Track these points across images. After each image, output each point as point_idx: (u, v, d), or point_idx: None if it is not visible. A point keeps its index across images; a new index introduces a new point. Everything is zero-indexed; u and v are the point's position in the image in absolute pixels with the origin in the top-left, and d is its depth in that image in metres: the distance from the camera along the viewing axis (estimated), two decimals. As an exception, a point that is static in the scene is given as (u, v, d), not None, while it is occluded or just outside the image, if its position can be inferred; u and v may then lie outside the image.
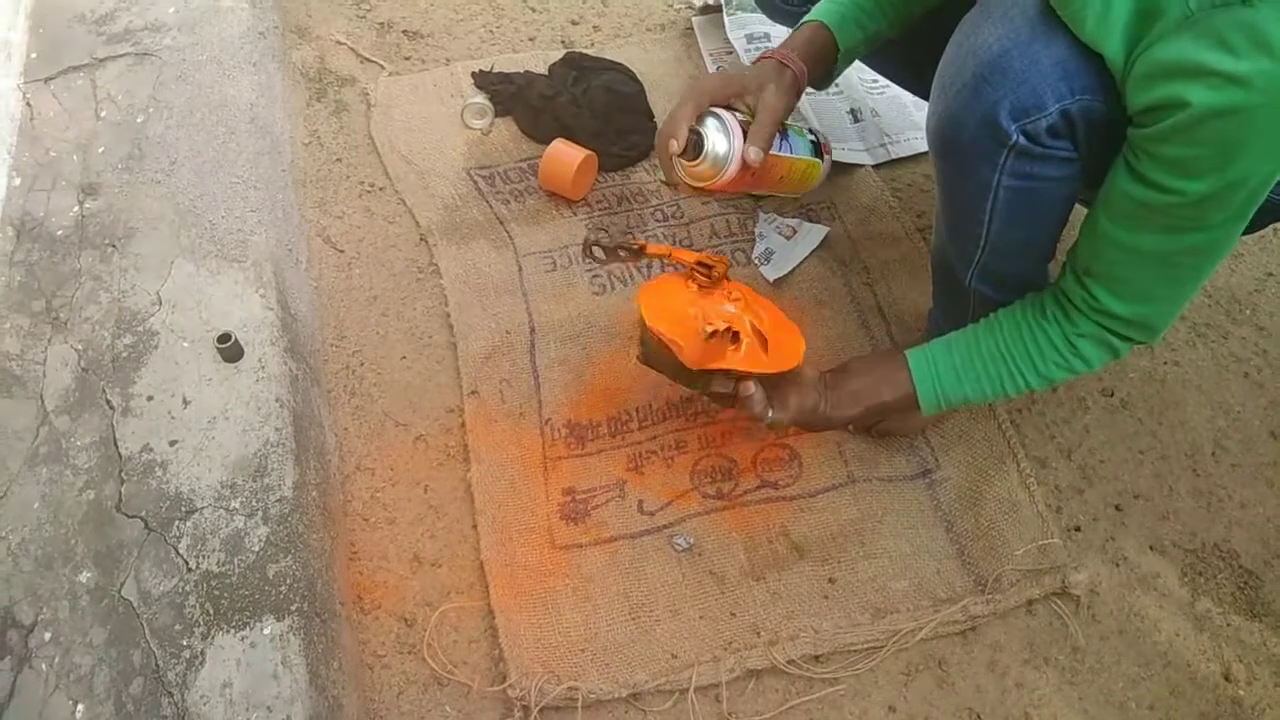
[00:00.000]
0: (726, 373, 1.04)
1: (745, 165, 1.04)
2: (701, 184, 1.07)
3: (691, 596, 1.14)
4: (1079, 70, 0.85)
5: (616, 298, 1.39)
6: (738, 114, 1.06)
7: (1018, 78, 0.86)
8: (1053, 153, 0.90)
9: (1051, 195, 0.97)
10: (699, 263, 1.09)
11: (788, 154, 1.12)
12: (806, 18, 1.14)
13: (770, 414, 1.05)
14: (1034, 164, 0.91)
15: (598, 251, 1.11)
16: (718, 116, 1.04)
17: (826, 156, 1.20)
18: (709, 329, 1.00)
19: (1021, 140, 0.88)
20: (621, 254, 1.11)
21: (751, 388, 1.03)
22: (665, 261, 1.12)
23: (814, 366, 1.12)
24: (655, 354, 1.08)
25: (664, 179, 1.54)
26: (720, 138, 1.04)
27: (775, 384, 1.07)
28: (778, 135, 1.08)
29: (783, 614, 1.13)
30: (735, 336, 1.03)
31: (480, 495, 1.21)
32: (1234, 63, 0.72)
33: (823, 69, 1.14)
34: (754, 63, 1.11)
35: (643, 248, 1.10)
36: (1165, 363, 1.35)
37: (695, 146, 1.04)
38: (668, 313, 1.06)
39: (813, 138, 1.18)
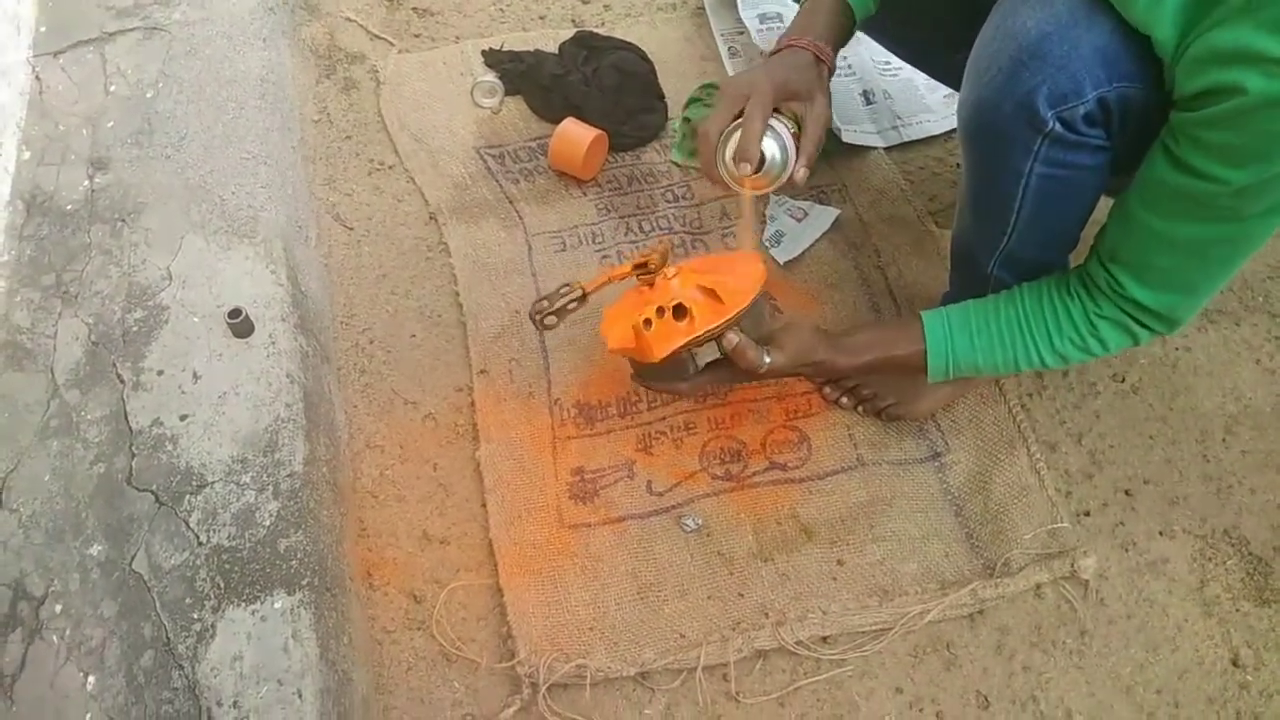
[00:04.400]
0: (700, 344, 1.02)
1: (791, 180, 1.04)
2: (745, 191, 1.06)
3: (700, 577, 1.14)
4: (1119, 56, 0.84)
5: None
6: (786, 123, 1.05)
7: (1057, 63, 0.85)
8: (1087, 140, 0.89)
9: (1082, 184, 0.96)
10: (635, 266, 1.08)
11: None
12: None
13: (766, 358, 1.03)
14: (1068, 152, 0.90)
15: (549, 320, 1.11)
16: (773, 130, 1.03)
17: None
18: (641, 317, 1.00)
19: (1058, 127, 0.87)
20: (570, 307, 1.11)
21: (735, 338, 1.01)
22: (616, 283, 1.11)
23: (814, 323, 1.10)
24: (638, 369, 1.09)
25: (674, 159, 1.53)
26: (778, 154, 1.03)
27: (769, 334, 1.06)
28: None
29: (791, 595, 1.13)
30: (679, 309, 1.01)
31: (489, 474, 1.21)
32: None
33: (843, 44, 1.12)
34: (782, 49, 1.08)
35: (584, 292, 1.10)
36: (1176, 348, 1.34)
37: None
38: (617, 329, 1.05)
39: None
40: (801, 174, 1.03)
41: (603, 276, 1.10)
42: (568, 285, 1.10)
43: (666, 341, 1.01)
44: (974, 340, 1.04)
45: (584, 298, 1.11)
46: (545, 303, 1.10)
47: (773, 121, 1.03)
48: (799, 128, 1.05)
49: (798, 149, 1.04)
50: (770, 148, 1.02)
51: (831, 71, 1.08)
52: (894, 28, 1.26)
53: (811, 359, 1.07)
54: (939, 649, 1.11)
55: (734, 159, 1.02)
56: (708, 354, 1.05)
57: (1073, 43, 0.84)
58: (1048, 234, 1.02)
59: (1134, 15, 0.81)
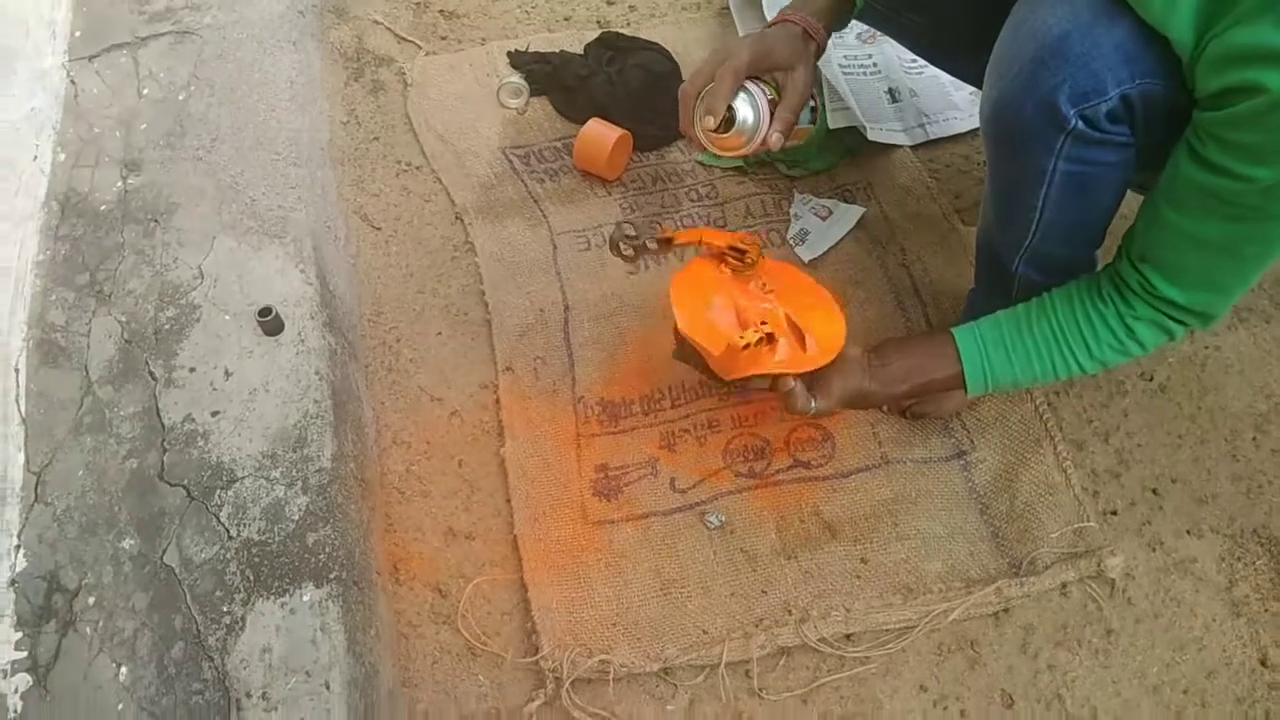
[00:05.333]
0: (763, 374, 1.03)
1: (764, 143, 1.05)
2: (718, 150, 1.08)
3: (723, 573, 1.15)
4: (1140, 53, 0.83)
5: (650, 277, 1.39)
6: (765, 89, 1.06)
7: (1078, 61, 0.85)
8: (1110, 137, 0.89)
9: (1107, 180, 0.95)
10: (731, 247, 1.08)
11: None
12: None
13: (814, 404, 1.03)
14: (1091, 149, 0.90)
15: (624, 248, 1.11)
16: (748, 92, 1.04)
17: (818, 117, 1.20)
18: (743, 341, 0.97)
19: (1080, 125, 0.87)
20: (649, 247, 1.11)
21: (791, 383, 1.02)
22: (696, 247, 1.11)
23: (854, 344, 1.09)
24: (689, 354, 1.08)
25: (699, 159, 1.53)
26: (750, 115, 1.04)
27: (818, 371, 1.05)
28: None
29: (814, 592, 1.13)
30: (770, 338, 1.00)
31: (514, 470, 1.22)
32: None
33: (841, 24, 1.13)
34: (775, 23, 1.09)
35: (670, 238, 1.10)
36: (1205, 346, 1.33)
37: (726, 121, 1.04)
38: (701, 313, 1.04)
39: (812, 103, 1.18)
40: (775, 138, 1.04)
41: (695, 235, 1.10)
42: (658, 225, 1.10)
43: (749, 366, 1.00)
44: (1010, 356, 1.03)
45: (668, 244, 1.10)
46: (630, 228, 1.09)
47: (750, 84, 1.04)
48: (779, 96, 1.06)
49: (773, 116, 1.05)
50: (743, 108, 1.04)
51: (821, 49, 1.09)
52: (914, 27, 1.25)
53: (855, 398, 1.07)
54: (963, 647, 1.11)
55: (702, 114, 1.04)
56: (760, 381, 1.04)
57: (1094, 40, 0.84)
58: (1073, 230, 1.02)
59: (1150, 16, 0.81)
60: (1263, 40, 0.73)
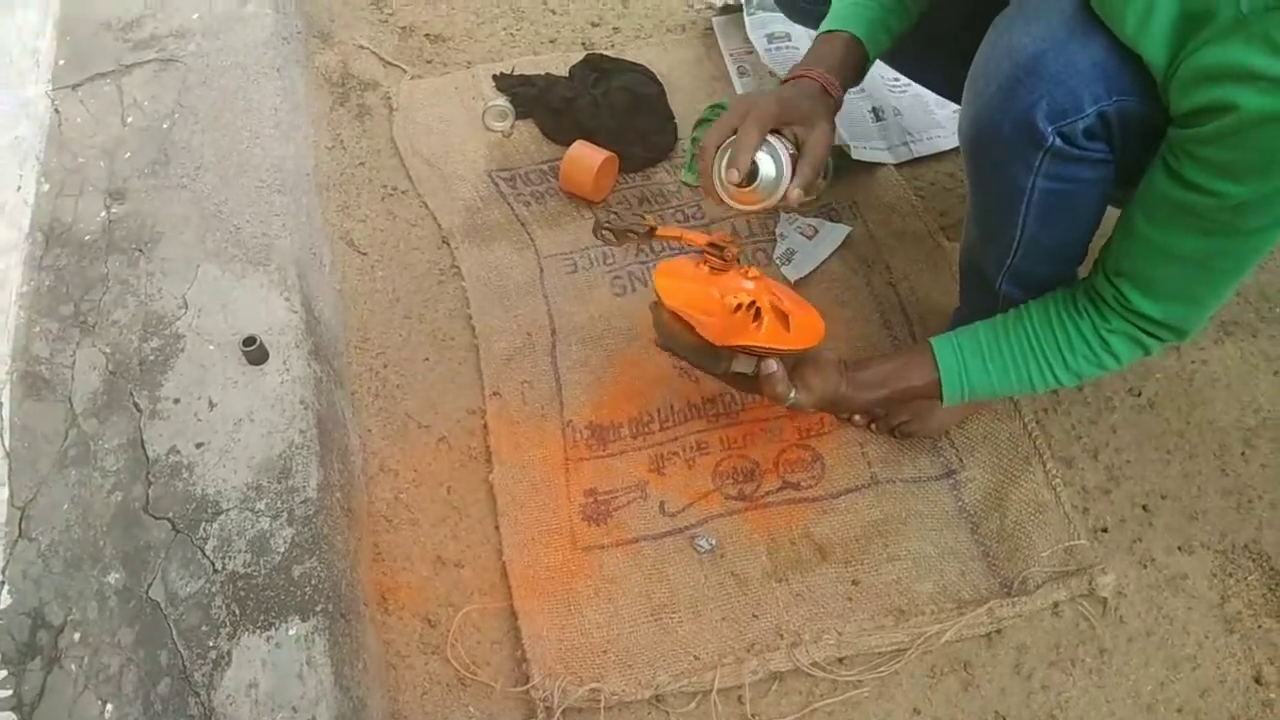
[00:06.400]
0: (748, 352, 1.03)
1: (784, 198, 1.04)
2: (737, 205, 1.07)
3: (714, 598, 1.14)
4: (1116, 71, 0.84)
5: (638, 299, 1.39)
6: (787, 144, 1.05)
7: (1054, 79, 0.85)
8: (1088, 154, 0.89)
9: (1086, 196, 0.96)
10: (711, 244, 1.08)
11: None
12: (834, 24, 1.11)
13: (793, 394, 1.03)
14: (1069, 166, 0.90)
15: (607, 234, 1.11)
16: (771, 147, 1.03)
17: (828, 173, 1.21)
18: (734, 301, 0.99)
19: (1057, 142, 0.87)
20: (632, 235, 1.11)
21: (774, 365, 1.02)
22: (676, 244, 1.11)
23: (834, 353, 1.10)
24: (674, 335, 1.06)
25: (684, 179, 1.53)
26: (773, 170, 1.03)
27: (796, 365, 1.06)
28: None
29: (806, 616, 1.13)
30: (758, 312, 1.01)
31: (502, 497, 1.21)
32: None
33: (855, 80, 1.13)
34: (793, 80, 1.08)
35: (653, 229, 1.10)
36: (1193, 361, 1.33)
37: (749, 175, 1.03)
38: (685, 291, 1.04)
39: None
40: (795, 194, 1.03)
41: (676, 231, 1.10)
42: (640, 216, 1.09)
43: (732, 333, 1.01)
44: (987, 364, 1.03)
45: (650, 234, 1.10)
46: (615, 217, 1.09)
47: (772, 139, 1.03)
48: (799, 151, 1.06)
49: (794, 171, 1.04)
50: (765, 162, 1.03)
51: (838, 105, 1.09)
52: (897, 46, 1.26)
53: (833, 397, 1.07)
54: (956, 669, 1.10)
55: (725, 168, 1.03)
56: (743, 364, 1.04)
57: (1069, 58, 0.84)
58: (1054, 248, 1.02)
59: (1124, 35, 0.82)
60: (1234, 60, 0.74)
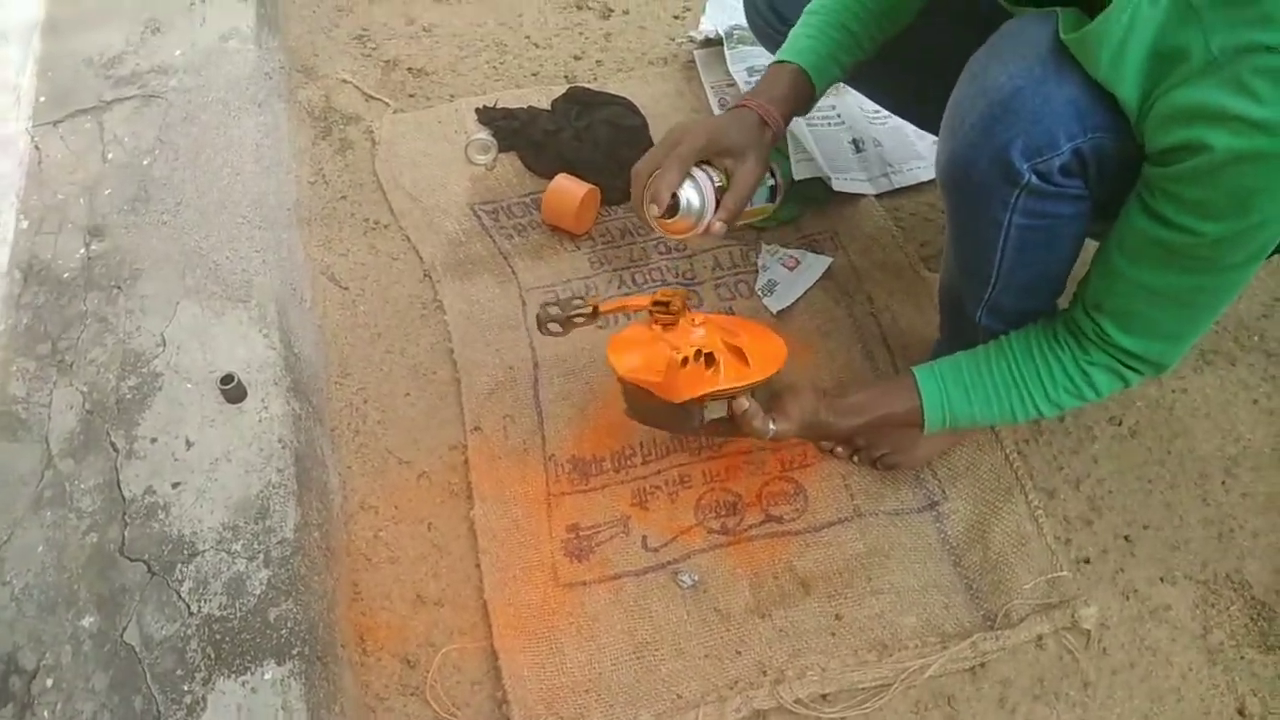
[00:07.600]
0: (716, 398, 1.03)
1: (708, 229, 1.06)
2: (665, 234, 1.10)
3: (696, 634, 1.14)
4: (1091, 108, 0.84)
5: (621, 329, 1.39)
6: (714, 175, 1.07)
7: (1030, 117, 0.86)
8: (1065, 191, 0.90)
9: (1063, 233, 0.96)
10: (655, 302, 1.08)
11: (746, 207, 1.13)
12: (785, 54, 1.12)
13: (772, 426, 1.04)
14: (1046, 202, 0.91)
15: (553, 326, 1.12)
16: (694, 180, 1.05)
17: (779, 195, 1.22)
18: (679, 355, 1.00)
19: (1034, 179, 0.88)
20: (577, 321, 1.12)
21: (745, 403, 1.02)
22: (626, 314, 1.11)
23: (813, 384, 1.10)
24: (639, 404, 1.08)
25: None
26: (696, 201, 1.05)
27: (771, 396, 1.06)
28: None
29: (789, 651, 1.12)
30: (710, 358, 1.01)
31: (483, 533, 1.20)
32: (1258, 108, 0.72)
33: (801, 110, 1.14)
34: (735, 108, 1.10)
35: (595, 309, 1.11)
36: (1173, 390, 1.34)
37: (670, 208, 1.05)
38: (636, 357, 1.06)
39: (771, 181, 1.20)
40: (717, 227, 1.05)
41: (618, 301, 1.12)
42: (581, 298, 1.11)
43: (694, 385, 1.01)
44: (969, 393, 1.04)
45: (594, 314, 1.12)
46: (556, 308, 1.10)
47: (697, 171, 1.05)
48: (727, 183, 1.07)
49: (719, 203, 1.06)
50: (689, 194, 1.04)
51: (777, 136, 1.10)
52: (874, 78, 1.27)
53: (813, 422, 1.07)
54: (940, 704, 1.10)
55: (646, 200, 1.04)
56: (715, 410, 1.05)
57: (1045, 96, 0.85)
58: (1032, 282, 1.03)
59: (1098, 74, 0.82)
60: (1207, 100, 0.74)
